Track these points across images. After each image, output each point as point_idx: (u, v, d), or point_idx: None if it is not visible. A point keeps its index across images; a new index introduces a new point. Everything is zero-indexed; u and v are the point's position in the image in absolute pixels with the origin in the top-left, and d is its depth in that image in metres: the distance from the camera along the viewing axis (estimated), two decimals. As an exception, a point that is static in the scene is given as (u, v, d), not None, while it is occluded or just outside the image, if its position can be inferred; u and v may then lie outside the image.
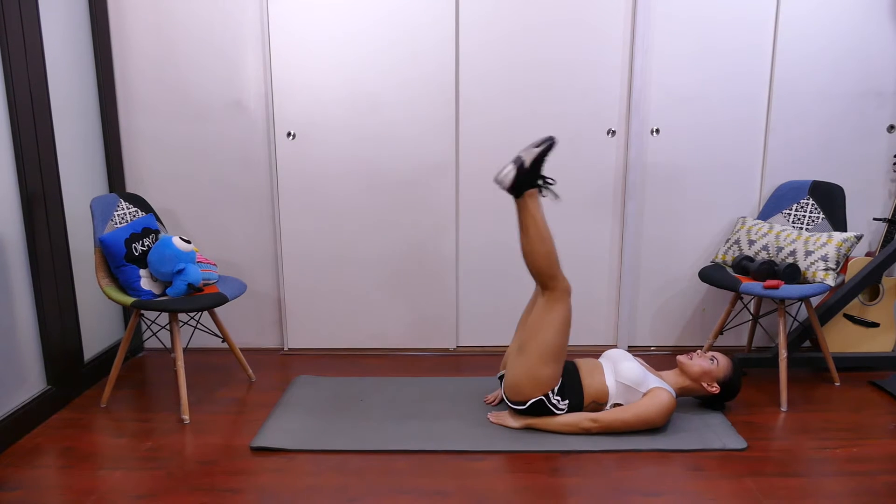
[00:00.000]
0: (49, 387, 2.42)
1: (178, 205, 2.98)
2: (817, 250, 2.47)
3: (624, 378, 2.24)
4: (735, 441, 2.17)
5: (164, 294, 2.42)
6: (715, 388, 2.32)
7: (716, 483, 1.94)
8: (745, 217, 2.87)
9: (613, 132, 2.90)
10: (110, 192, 2.87)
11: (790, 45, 2.81)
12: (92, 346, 2.74)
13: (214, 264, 2.65)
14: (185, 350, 3.10)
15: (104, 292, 2.36)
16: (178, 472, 2.00)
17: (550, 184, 2.20)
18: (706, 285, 3.05)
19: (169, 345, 3.10)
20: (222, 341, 3.10)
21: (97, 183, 2.79)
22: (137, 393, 2.63)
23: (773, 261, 2.56)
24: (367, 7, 2.78)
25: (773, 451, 2.13)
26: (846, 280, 2.75)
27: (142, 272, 2.39)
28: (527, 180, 2.15)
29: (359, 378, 2.73)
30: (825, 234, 2.51)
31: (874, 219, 2.89)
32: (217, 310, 3.06)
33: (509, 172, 2.14)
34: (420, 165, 2.91)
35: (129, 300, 2.32)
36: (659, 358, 3.00)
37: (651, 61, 2.83)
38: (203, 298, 2.34)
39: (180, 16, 2.80)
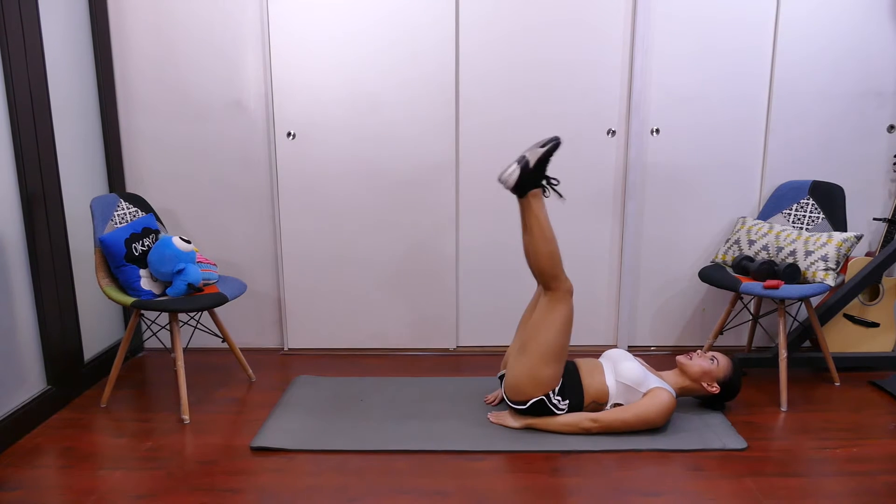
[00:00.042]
0: (49, 387, 2.42)
1: (178, 205, 2.98)
2: (817, 250, 2.48)
3: (624, 378, 2.24)
4: (735, 441, 2.17)
5: (164, 294, 2.42)
6: (715, 388, 2.32)
7: (716, 483, 1.94)
8: (745, 217, 2.87)
9: (613, 132, 2.90)
10: (110, 192, 2.87)
11: (790, 46, 2.81)
12: (92, 346, 2.74)
13: (214, 264, 2.65)
14: (185, 350, 3.10)
15: (104, 292, 2.36)
16: (178, 472, 2.00)
17: (554, 184, 2.20)
18: (706, 285, 3.05)
19: (169, 345, 3.11)
20: (222, 341, 3.10)
21: (97, 183, 2.79)
22: (137, 393, 2.63)
23: (773, 261, 2.56)
24: (367, 7, 2.78)
25: (773, 451, 2.13)
26: (846, 280, 2.75)
27: (142, 272, 2.39)
28: (531, 180, 2.15)
29: (359, 378, 2.73)
30: (825, 234, 2.51)
31: (874, 219, 2.89)
32: (217, 310, 3.06)
33: (513, 172, 2.13)
34: (420, 165, 2.91)
35: (129, 300, 2.32)
36: (659, 358, 3.00)
37: (651, 61, 2.83)
38: (203, 298, 2.34)
39: (180, 16, 2.80)
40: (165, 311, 2.45)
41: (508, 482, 1.95)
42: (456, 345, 3.10)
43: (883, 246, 2.83)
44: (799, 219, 2.75)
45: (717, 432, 2.23)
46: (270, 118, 2.87)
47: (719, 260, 2.82)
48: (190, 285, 2.38)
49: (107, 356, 2.80)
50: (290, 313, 3.06)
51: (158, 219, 2.70)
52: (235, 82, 2.86)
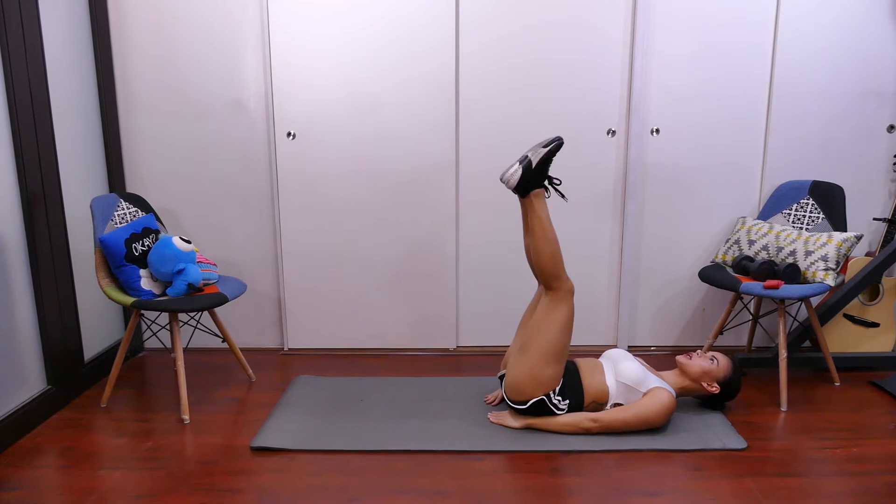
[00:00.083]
0: (49, 387, 2.42)
1: (178, 205, 2.98)
2: (817, 250, 2.48)
3: (624, 378, 2.24)
4: (735, 441, 2.17)
5: (164, 294, 2.42)
6: (715, 388, 2.32)
7: (716, 483, 1.94)
8: (745, 217, 2.87)
9: (613, 132, 2.90)
10: (110, 192, 2.87)
11: (790, 46, 2.81)
12: (92, 346, 2.74)
13: (214, 264, 2.65)
14: (185, 350, 3.10)
15: (104, 292, 2.36)
16: (178, 472, 2.00)
17: (557, 184, 2.20)
18: (706, 285, 3.05)
19: (169, 345, 3.10)
20: (222, 341, 3.10)
21: (97, 183, 2.79)
22: (137, 393, 2.63)
23: (773, 261, 2.56)
24: (367, 7, 2.78)
25: (773, 451, 2.13)
26: (846, 280, 2.75)
27: (142, 272, 2.39)
28: (533, 180, 2.15)
29: (359, 378, 2.73)
30: (825, 234, 2.51)
31: (874, 219, 2.89)
32: (217, 310, 3.06)
33: (515, 172, 2.13)
34: (420, 165, 2.91)
35: (129, 300, 2.32)
36: (659, 358, 3.00)
37: (651, 61, 2.83)
38: (203, 298, 2.34)
39: (180, 16, 2.80)
40: (165, 311, 2.44)
41: (508, 482, 1.95)
42: (456, 345, 3.10)
43: (883, 246, 2.83)
44: (799, 219, 2.75)
45: (717, 432, 2.23)
46: (270, 118, 2.87)
47: (719, 260, 2.82)
48: (190, 285, 2.38)
49: (107, 356, 2.80)
50: (290, 313, 3.06)
51: (158, 219, 2.70)
52: (235, 82, 2.86)
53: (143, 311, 2.99)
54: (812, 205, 2.74)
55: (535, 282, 2.72)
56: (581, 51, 2.82)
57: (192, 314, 3.06)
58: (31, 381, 2.34)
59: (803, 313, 3.04)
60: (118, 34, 2.82)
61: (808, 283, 2.48)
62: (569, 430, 2.21)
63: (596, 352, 3.05)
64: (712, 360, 2.34)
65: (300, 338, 3.09)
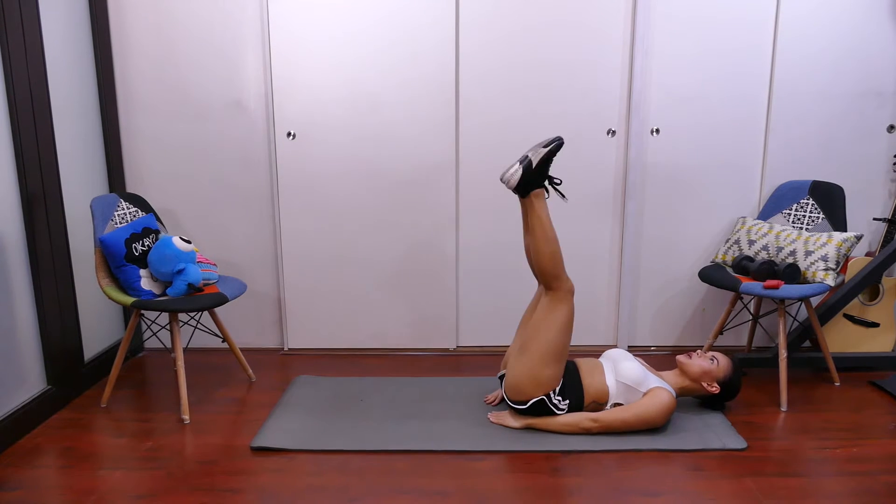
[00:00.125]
0: (49, 387, 2.42)
1: (178, 205, 2.98)
2: (817, 250, 2.48)
3: (624, 378, 2.24)
4: (735, 441, 2.17)
5: (164, 294, 2.42)
6: (715, 388, 2.32)
7: (716, 483, 1.94)
8: (745, 217, 2.87)
9: (613, 132, 2.90)
10: (110, 191, 2.87)
11: (790, 46, 2.81)
12: (92, 346, 2.74)
13: (214, 264, 2.65)
14: (185, 350, 3.10)
15: (104, 292, 2.36)
16: (178, 472, 2.00)
17: (557, 184, 2.20)
18: (706, 285, 3.05)
19: (169, 345, 3.11)
20: (222, 341, 3.10)
21: (97, 183, 2.79)
22: (137, 393, 2.63)
23: (773, 261, 2.56)
24: (367, 7, 2.78)
25: (773, 451, 2.13)
26: (846, 280, 2.75)
27: (142, 272, 2.39)
28: (533, 180, 2.15)
29: (359, 378, 2.73)
30: (825, 234, 2.51)
31: (874, 219, 2.89)
32: (217, 310, 3.06)
33: (516, 172, 2.13)
34: (420, 165, 2.91)
35: (129, 300, 2.32)
36: (659, 358, 3.00)
37: (651, 61, 2.83)
38: (203, 298, 2.34)
39: (180, 15, 2.80)
40: (165, 311, 2.44)
41: (508, 482, 1.95)
42: (456, 345, 3.10)
43: (883, 246, 2.83)
44: (799, 219, 2.76)
45: (717, 432, 2.23)
46: (270, 118, 2.87)
47: (719, 260, 2.82)
48: (190, 285, 2.38)
49: (107, 356, 2.80)
50: (290, 313, 3.06)
51: (158, 219, 2.70)
52: (235, 82, 2.86)
53: (143, 311, 2.99)
54: (812, 205, 2.74)
55: (536, 282, 2.72)
56: (581, 51, 2.82)
57: (192, 314, 3.06)
58: (31, 381, 2.34)
59: (803, 313, 3.04)
60: (118, 34, 2.82)
61: (808, 283, 2.48)
62: (569, 430, 2.21)
63: (596, 352, 3.05)
64: (712, 360, 2.34)
65: (300, 338, 3.09)
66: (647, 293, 3.06)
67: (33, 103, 2.31)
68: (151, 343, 3.13)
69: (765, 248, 2.65)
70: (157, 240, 2.48)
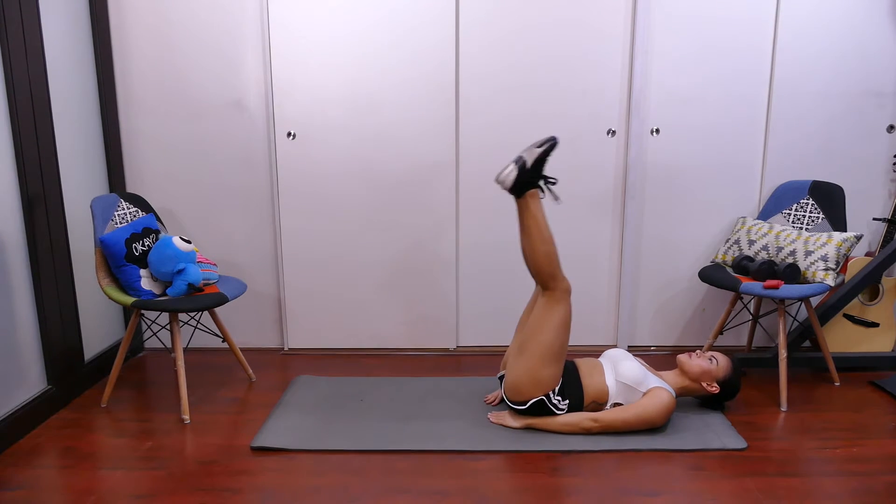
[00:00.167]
0: (49, 387, 2.42)
1: (179, 205, 2.98)
2: (817, 250, 2.48)
3: (624, 377, 2.24)
4: (735, 441, 2.17)
5: (164, 294, 2.42)
6: (714, 388, 2.32)
7: (716, 483, 1.94)
8: (745, 217, 2.87)
9: (613, 132, 2.90)
10: (110, 192, 2.87)
11: (790, 45, 2.81)
12: (92, 345, 2.74)
13: (215, 264, 2.65)
14: (186, 350, 3.10)
15: (105, 292, 2.36)
16: (178, 472, 2.00)
17: (552, 183, 2.20)
18: (706, 285, 3.05)
19: (169, 345, 3.11)
20: (222, 341, 3.10)
21: (97, 183, 2.79)
22: (137, 393, 2.63)
23: (773, 261, 2.56)
24: (367, 7, 2.78)
25: (773, 451, 2.13)
26: (846, 280, 2.75)
27: (142, 272, 2.39)
28: (528, 180, 2.15)
29: (359, 378, 2.73)
30: (825, 234, 2.51)
31: (874, 219, 2.89)
32: (217, 310, 3.06)
33: (511, 172, 2.13)
34: (420, 165, 2.91)
35: (129, 300, 2.32)
36: (659, 358, 3.00)
37: (651, 61, 2.83)
38: (203, 298, 2.34)
39: (180, 15, 2.80)
40: (166, 311, 2.44)
41: (508, 482, 1.95)
42: (456, 345, 3.10)
43: (883, 246, 2.83)
44: (799, 219, 2.76)
45: (717, 432, 2.23)
46: (270, 118, 2.87)
47: (719, 260, 2.82)
48: (190, 285, 2.38)
49: (107, 356, 2.80)
50: (290, 313, 3.06)
51: (159, 219, 2.70)
52: (235, 82, 2.86)
53: (143, 311, 2.99)
54: (812, 205, 2.74)
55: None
56: (581, 51, 2.82)
57: (192, 314, 3.06)
58: (31, 380, 2.34)
59: (803, 313, 3.04)
60: (118, 34, 2.82)
61: (808, 283, 2.48)
62: (569, 430, 2.21)
63: (596, 352, 3.05)
64: (711, 359, 2.34)
65: (300, 338, 3.09)
66: (647, 293, 3.06)
67: (33, 103, 2.31)
68: (151, 343, 3.13)
69: (765, 248, 2.65)
70: (157, 240, 2.48)
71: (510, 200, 2.95)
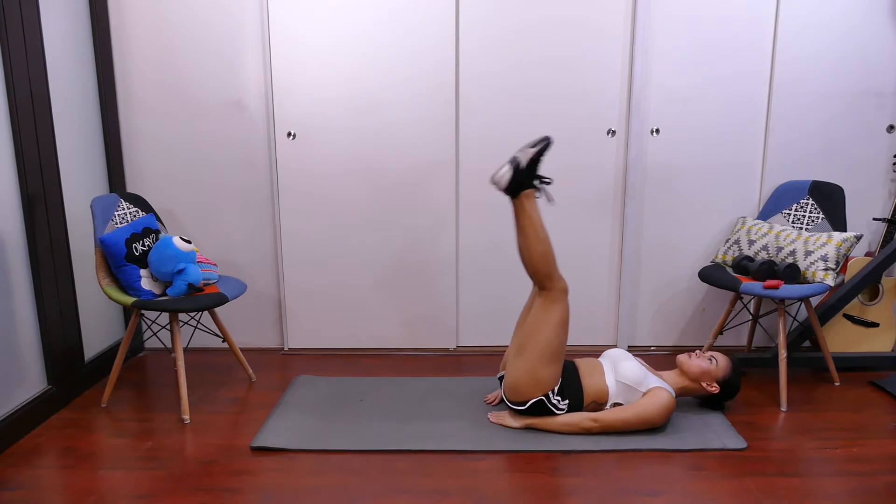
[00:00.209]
0: (49, 386, 2.42)
1: (179, 205, 2.98)
2: (817, 250, 2.48)
3: (624, 377, 2.24)
4: (735, 441, 2.17)
5: (164, 294, 2.42)
6: (714, 388, 2.33)
7: (716, 483, 1.94)
8: (745, 217, 2.87)
9: (613, 132, 2.90)
10: (111, 191, 2.87)
11: (790, 45, 2.81)
12: (92, 345, 2.74)
13: (215, 264, 2.65)
14: (186, 350, 3.10)
15: (105, 292, 2.36)
16: (178, 472, 2.00)
17: (547, 183, 2.20)
18: (706, 285, 3.05)
19: (169, 345, 3.11)
20: (222, 341, 3.10)
21: (97, 183, 2.79)
22: (137, 393, 2.63)
23: (772, 261, 2.56)
24: (367, 7, 2.78)
25: (773, 451, 2.13)
26: (846, 280, 2.75)
27: (142, 272, 2.39)
28: (523, 180, 2.15)
29: (359, 378, 2.73)
30: (825, 234, 2.51)
31: (874, 219, 2.89)
32: (217, 310, 3.06)
33: (505, 173, 2.14)
34: (420, 165, 2.91)
35: (129, 300, 2.32)
36: (659, 358, 3.00)
37: (651, 61, 2.83)
38: (203, 298, 2.34)
39: (180, 15, 2.80)
40: (166, 311, 2.44)
41: (508, 482, 1.95)
42: (456, 345, 3.10)
43: (883, 246, 2.83)
44: (799, 219, 2.76)
45: (717, 432, 2.23)
46: (270, 118, 2.87)
47: (719, 260, 2.82)
48: (190, 285, 2.38)
49: (107, 356, 2.80)
50: (290, 313, 3.06)
51: (159, 219, 2.70)
52: (235, 82, 2.86)
53: (143, 311, 2.99)
54: (812, 205, 2.74)
55: (535, 282, 2.71)
56: (581, 51, 2.82)
57: (192, 314, 3.06)
58: (31, 380, 2.34)
59: (803, 313, 3.04)
60: (118, 34, 2.82)
61: (808, 283, 2.48)
62: (569, 430, 2.21)
63: (596, 352, 3.05)
64: (711, 360, 2.34)
65: (300, 338, 3.09)
66: (647, 293, 3.06)
67: (33, 103, 2.31)
68: (151, 343, 3.13)
69: (765, 248, 2.65)
70: (157, 240, 2.48)
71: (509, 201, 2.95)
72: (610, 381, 2.26)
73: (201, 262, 2.55)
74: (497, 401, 2.48)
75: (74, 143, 2.62)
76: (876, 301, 2.83)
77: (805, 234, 2.56)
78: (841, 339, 2.86)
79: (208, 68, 2.85)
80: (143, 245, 2.43)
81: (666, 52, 2.82)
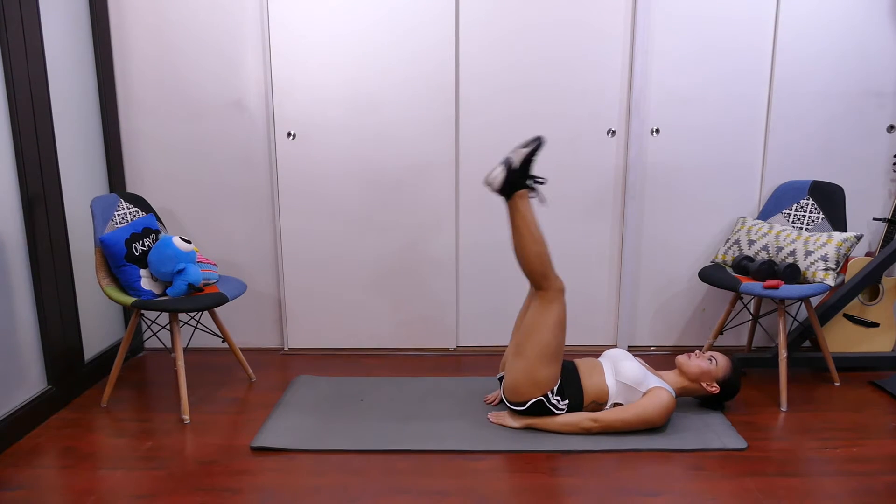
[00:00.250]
0: (49, 386, 2.42)
1: (179, 205, 2.98)
2: (817, 250, 2.48)
3: (624, 377, 2.24)
4: (735, 441, 2.17)
5: (164, 294, 2.42)
6: (714, 388, 2.33)
7: (716, 483, 1.94)
8: (745, 217, 2.87)
9: (613, 132, 2.90)
10: (110, 192, 2.87)
11: (790, 45, 2.81)
12: (92, 345, 2.74)
13: (215, 264, 2.65)
14: (186, 350, 3.10)
15: (105, 292, 2.36)
16: (178, 472, 2.00)
17: (540, 182, 2.20)
18: (706, 285, 3.05)
19: (169, 345, 3.11)
20: (222, 341, 3.10)
21: (97, 183, 2.79)
22: (137, 393, 2.63)
23: (773, 261, 2.56)
24: (367, 7, 2.78)
25: (773, 451, 2.13)
26: (846, 280, 2.75)
27: (142, 272, 2.39)
28: (516, 181, 2.15)
29: (359, 378, 2.73)
30: (825, 234, 2.51)
31: (874, 219, 2.89)
32: (217, 310, 3.06)
33: (499, 174, 2.14)
34: (420, 165, 2.91)
35: (129, 300, 2.32)
36: (659, 358, 3.00)
37: (651, 61, 2.83)
38: (203, 298, 2.34)
39: (180, 16, 2.80)
40: (166, 311, 2.45)
41: (508, 482, 1.95)
42: (456, 345, 3.10)
43: (883, 246, 2.83)
44: (799, 219, 2.76)
45: (717, 432, 2.23)
46: (270, 118, 2.87)
47: (719, 260, 2.82)
48: (190, 285, 2.38)
49: (107, 356, 2.80)
50: (290, 313, 3.06)
51: (159, 219, 2.70)
52: (235, 82, 2.86)
53: (143, 311, 2.99)
54: (812, 205, 2.74)
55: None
56: (581, 51, 2.82)
57: (192, 314, 3.06)
58: (31, 380, 2.34)
59: (803, 313, 3.04)
60: (118, 34, 2.82)
61: (808, 283, 2.48)
62: (569, 430, 2.21)
63: (596, 352, 3.05)
64: (711, 360, 2.34)
65: (300, 338, 3.09)
66: (647, 293, 3.06)
67: (33, 103, 2.31)
68: (151, 343, 3.13)
69: (765, 248, 2.65)
70: (157, 240, 2.48)
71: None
72: (610, 381, 2.26)
73: (201, 262, 2.55)
74: (497, 401, 2.48)
75: (74, 144, 2.62)
76: (876, 301, 2.83)
77: (805, 234, 2.56)
78: (841, 339, 2.86)
79: (208, 68, 2.85)
80: (143, 245, 2.43)
81: (666, 52, 2.82)
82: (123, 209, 2.52)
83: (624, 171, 2.93)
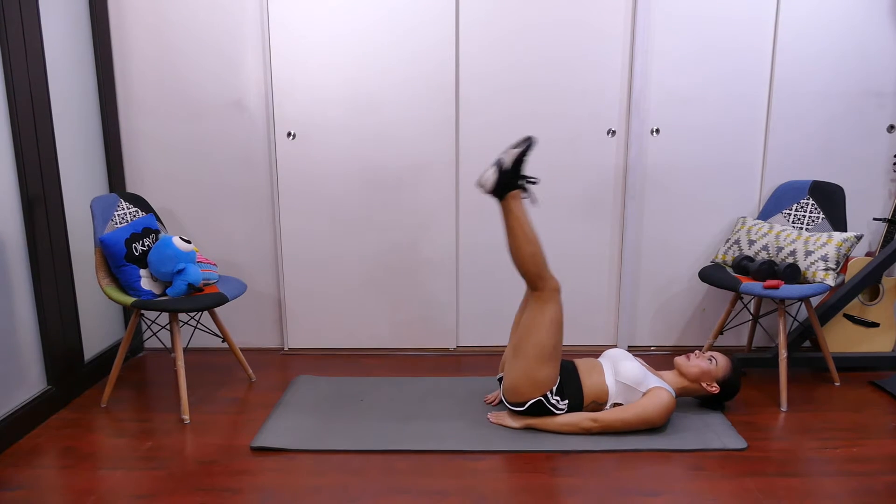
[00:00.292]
0: (49, 387, 2.42)
1: (178, 205, 2.98)
2: (817, 250, 2.48)
3: (624, 377, 2.24)
4: (735, 441, 2.17)
5: (164, 294, 2.42)
6: (714, 388, 2.32)
7: (716, 483, 1.94)
8: (745, 217, 2.87)
9: (613, 132, 2.90)
10: (110, 192, 2.87)
11: (790, 45, 2.81)
12: (92, 345, 2.74)
13: (214, 264, 2.65)
14: (185, 350, 3.10)
15: (104, 292, 2.36)
16: (178, 472, 2.00)
17: (533, 183, 2.20)
18: (706, 285, 3.05)
19: (169, 345, 3.11)
20: (222, 341, 3.10)
21: (97, 183, 2.79)
22: (137, 393, 2.63)
23: (773, 261, 2.56)
24: (367, 7, 2.78)
25: (773, 451, 2.13)
26: (846, 280, 2.75)
27: (142, 272, 2.39)
28: (509, 181, 2.15)
29: (359, 378, 2.73)
30: (825, 234, 2.51)
31: (874, 219, 2.89)
32: (217, 310, 3.06)
33: (491, 175, 2.14)
34: (420, 165, 2.91)
35: (129, 300, 2.32)
36: (659, 358, 3.00)
37: (651, 61, 2.83)
38: (203, 298, 2.34)
39: (180, 16, 2.80)
40: (165, 311, 2.45)
41: (508, 482, 1.95)
42: (456, 345, 3.10)
43: (883, 246, 2.83)
44: (799, 219, 2.75)
45: (717, 432, 2.23)
46: (270, 118, 2.87)
47: (719, 260, 2.82)
48: (190, 285, 2.38)
49: (107, 356, 2.80)
50: (290, 313, 3.06)
51: (158, 219, 2.70)
52: (235, 82, 2.86)
53: (143, 311, 2.99)
54: (812, 205, 2.74)
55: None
56: (581, 51, 2.82)
57: (192, 314, 3.06)
58: (31, 380, 2.34)
59: (803, 313, 3.04)
60: (118, 34, 2.82)
61: (808, 283, 2.48)
62: (568, 430, 2.21)
63: (596, 352, 3.05)
64: (710, 360, 2.34)
65: (300, 338, 3.09)
66: (647, 293, 3.06)
67: (33, 103, 2.31)
68: (151, 343, 3.13)
69: (765, 248, 2.65)
70: (157, 240, 2.48)
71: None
72: (610, 381, 2.26)
73: (201, 262, 2.55)
74: (497, 401, 2.48)
75: (74, 144, 2.62)
76: (876, 301, 2.83)
77: (805, 234, 2.56)
78: (841, 339, 2.86)
79: (208, 68, 2.85)
80: (143, 245, 2.43)
81: (666, 52, 2.82)
82: (123, 209, 2.52)
83: (624, 171, 2.93)
